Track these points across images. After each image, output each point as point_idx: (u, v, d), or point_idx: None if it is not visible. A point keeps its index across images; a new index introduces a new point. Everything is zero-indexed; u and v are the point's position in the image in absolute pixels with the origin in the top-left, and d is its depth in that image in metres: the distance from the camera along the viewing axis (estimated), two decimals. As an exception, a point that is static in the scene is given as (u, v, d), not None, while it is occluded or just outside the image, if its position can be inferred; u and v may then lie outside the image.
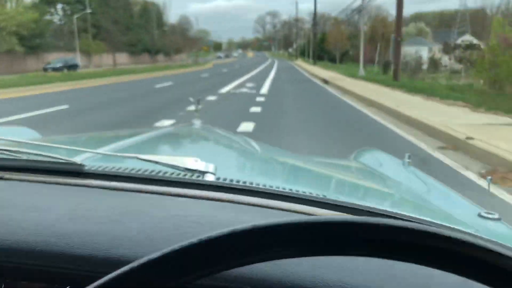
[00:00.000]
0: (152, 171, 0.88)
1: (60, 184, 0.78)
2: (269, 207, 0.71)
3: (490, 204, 3.05)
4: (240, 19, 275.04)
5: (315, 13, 61.18)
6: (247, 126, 8.26)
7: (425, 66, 26.88)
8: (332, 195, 0.94)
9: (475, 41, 47.82)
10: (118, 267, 0.36)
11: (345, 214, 0.73)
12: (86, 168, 0.83)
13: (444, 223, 0.85)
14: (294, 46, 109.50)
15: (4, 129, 2.71)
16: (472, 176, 5.01)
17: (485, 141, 6.09)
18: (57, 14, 56.26)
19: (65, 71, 33.15)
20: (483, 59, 16.21)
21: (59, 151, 0.95)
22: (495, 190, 4.28)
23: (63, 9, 55.71)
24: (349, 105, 12.65)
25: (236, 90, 17.43)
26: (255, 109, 11.02)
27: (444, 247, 0.35)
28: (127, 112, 10.96)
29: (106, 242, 0.54)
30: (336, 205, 0.75)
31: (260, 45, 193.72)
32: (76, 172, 0.82)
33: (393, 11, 37.47)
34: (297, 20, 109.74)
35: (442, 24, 79.66)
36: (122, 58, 59.73)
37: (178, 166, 0.85)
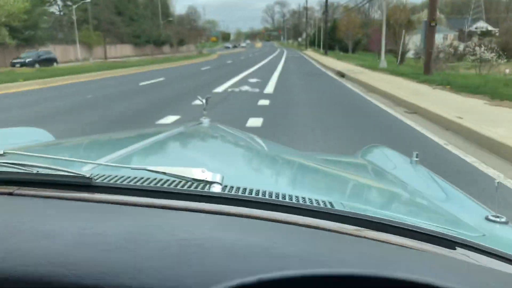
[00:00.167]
0: (161, 180, 0.91)
1: (69, 200, 0.79)
2: (276, 221, 0.72)
3: None
4: (248, 9, 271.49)
5: None
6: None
7: (442, 55, 23.85)
8: (338, 200, 0.98)
9: (489, 27, 45.71)
10: None
11: (348, 228, 0.74)
12: (95, 181, 0.85)
13: (450, 228, 0.94)
14: (304, 35, 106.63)
15: (20, 129, 2.43)
16: None
17: None
18: (56, 4, 53.57)
19: (37, 66, 28.56)
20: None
21: (69, 162, 1.00)
22: None
23: (63, -1, 52.86)
24: (384, 112, 9.41)
25: (235, 88, 14.29)
26: (255, 121, 7.81)
27: None
28: (75, 127, 7.85)
29: (111, 271, 0.55)
30: (342, 216, 0.77)
31: (269, 35, 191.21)
32: (85, 185, 0.83)
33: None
34: (306, 8, 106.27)
35: (453, 11, 77.01)
36: (126, 50, 57.13)
37: (186, 177, 0.86)
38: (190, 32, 75.77)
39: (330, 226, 0.72)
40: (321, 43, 63.51)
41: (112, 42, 53.83)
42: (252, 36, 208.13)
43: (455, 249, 0.74)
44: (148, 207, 0.76)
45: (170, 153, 1.55)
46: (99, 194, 0.82)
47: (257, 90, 13.73)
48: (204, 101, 2.08)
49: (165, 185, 0.89)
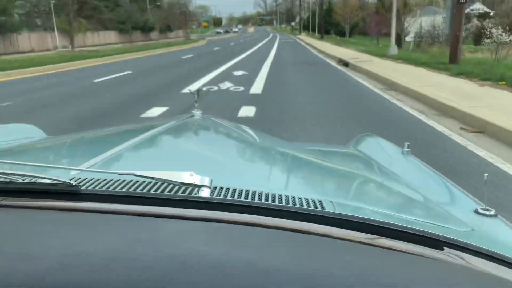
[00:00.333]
0: (149, 183, 0.92)
1: (55, 210, 0.78)
2: (266, 226, 0.71)
3: None
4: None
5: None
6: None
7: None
8: (329, 198, 0.98)
9: (485, 9, 44.63)
10: None
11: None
12: (82, 188, 0.84)
13: (439, 223, 0.96)
14: (297, 19, 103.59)
15: (9, 126, 2.28)
16: None
17: None
18: (33, -11, 49.76)
19: None
20: None
21: (55, 168, 0.98)
22: None
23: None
24: (437, 133, 6.21)
25: (213, 86, 11.02)
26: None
27: None
28: None
29: None
30: (331, 218, 0.76)
31: (262, 19, 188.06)
32: (72, 192, 0.82)
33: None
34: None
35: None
36: (110, 37, 53.52)
37: (174, 181, 0.85)
38: (180, 17, 72.44)
39: (319, 230, 0.71)
40: (316, 27, 60.75)
41: (95, 29, 50.30)
42: (245, 21, 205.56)
43: (443, 249, 0.73)
44: (136, 215, 0.74)
45: (162, 150, 1.50)
46: (86, 202, 0.81)
47: (241, 88, 10.45)
48: (195, 93, 2.04)
49: (153, 190, 0.90)
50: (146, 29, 60.33)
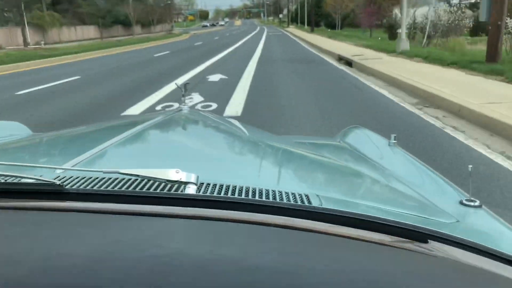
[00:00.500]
0: (135, 181, 0.91)
1: (38, 210, 0.76)
2: (252, 222, 0.70)
3: None
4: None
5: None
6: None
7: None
8: (315, 192, 0.98)
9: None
10: None
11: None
12: (66, 187, 0.81)
13: (424, 215, 0.97)
14: (285, 11, 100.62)
15: None
16: None
17: None
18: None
19: None
20: None
21: (39, 168, 0.98)
22: None
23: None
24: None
25: (173, 103, 7.86)
26: None
27: None
28: None
29: None
30: (316, 212, 0.76)
31: (249, 12, 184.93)
32: (56, 192, 0.80)
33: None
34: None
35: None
36: (89, 32, 49.81)
37: (160, 179, 0.84)
38: (165, 10, 69.50)
39: (305, 225, 0.71)
40: (305, 19, 57.70)
41: (72, 23, 46.73)
42: (232, 14, 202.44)
43: (427, 242, 0.73)
44: (121, 214, 0.73)
45: (149, 146, 1.48)
46: (70, 202, 0.79)
47: (213, 106, 7.31)
48: (182, 87, 2.04)
49: (139, 188, 0.89)
50: (127, 23, 57.13)
